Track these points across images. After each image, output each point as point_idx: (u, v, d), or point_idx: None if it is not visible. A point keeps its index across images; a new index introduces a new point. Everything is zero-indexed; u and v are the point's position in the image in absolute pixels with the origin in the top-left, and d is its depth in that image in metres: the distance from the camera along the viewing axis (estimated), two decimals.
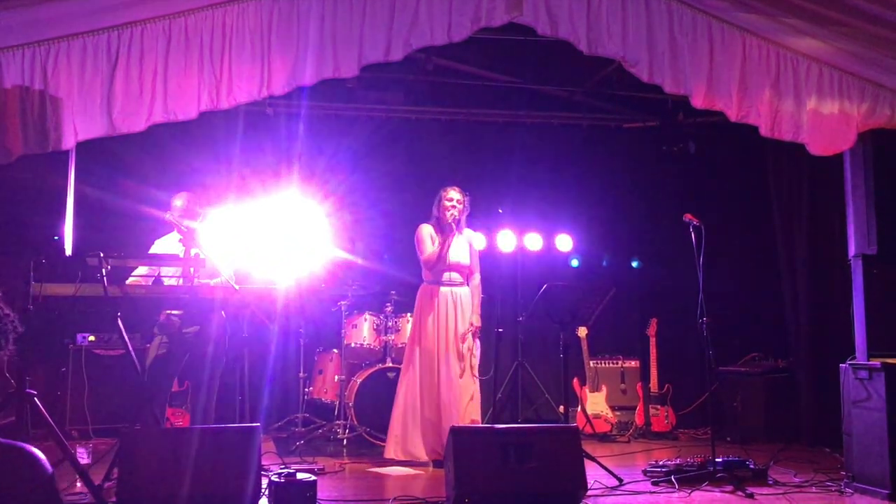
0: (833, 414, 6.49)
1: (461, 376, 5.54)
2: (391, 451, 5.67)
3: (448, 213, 5.73)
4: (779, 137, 4.65)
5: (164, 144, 7.12)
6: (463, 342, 5.60)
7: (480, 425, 5.14)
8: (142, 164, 7.23)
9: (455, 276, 5.79)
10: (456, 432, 4.27)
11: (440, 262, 5.74)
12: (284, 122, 7.71)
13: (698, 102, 4.60)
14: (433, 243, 5.78)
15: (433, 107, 7.95)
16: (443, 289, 5.76)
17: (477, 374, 5.69)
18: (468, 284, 5.84)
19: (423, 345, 5.70)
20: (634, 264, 8.06)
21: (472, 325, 5.66)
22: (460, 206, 5.77)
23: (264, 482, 4.23)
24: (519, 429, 4.58)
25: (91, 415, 6.71)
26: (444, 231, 5.77)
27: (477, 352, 5.67)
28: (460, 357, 5.59)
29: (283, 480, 4.14)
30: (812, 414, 6.84)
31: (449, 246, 5.72)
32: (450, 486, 4.20)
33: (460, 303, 5.72)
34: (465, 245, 5.85)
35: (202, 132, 7.21)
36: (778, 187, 7.35)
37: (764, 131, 4.63)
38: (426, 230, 5.86)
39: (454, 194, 5.79)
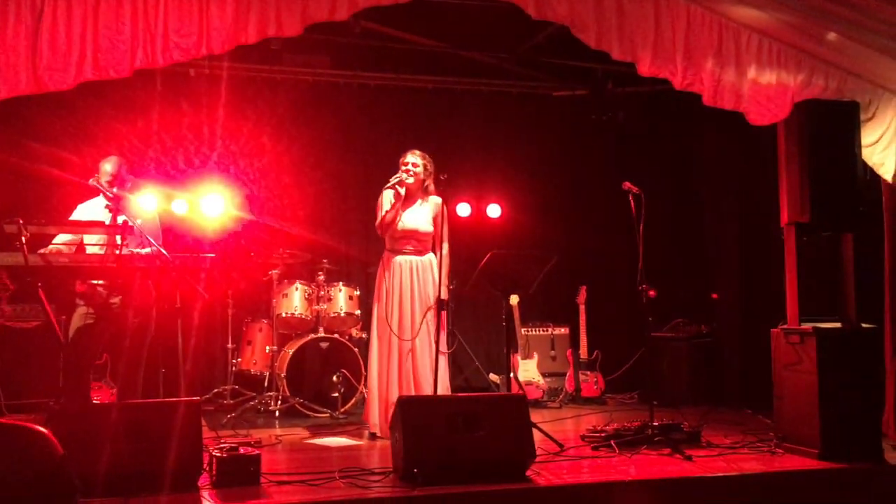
0: (755, 377, 6.75)
1: (425, 349, 5.35)
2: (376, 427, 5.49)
3: (394, 178, 5.48)
4: (720, 106, 4.73)
5: (75, 107, 6.78)
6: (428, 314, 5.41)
7: (427, 395, 5.05)
8: (52, 127, 6.84)
9: (413, 243, 5.50)
10: (403, 402, 4.21)
11: (391, 229, 5.50)
12: (206, 84, 7.41)
13: (644, 70, 4.62)
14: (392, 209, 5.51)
15: (361, 71, 7.76)
16: (398, 258, 5.50)
17: (444, 350, 5.43)
18: (432, 252, 5.56)
19: (380, 316, 5.46)
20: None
21: (436, 299, 5.38)
22: (416, 170, 5.49)
23: (206, 457, 4.08)
24: (466, 398, 4.57)
25: (2, 390, 6.36)
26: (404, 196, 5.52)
27: (442, 324, 5.40)
28: (431, 333, 5.35)
29: (225, 455, 4.00)
30: (735, 377, 7.08)
31: (395, 216, 5.45)
32: (397, 457, 4.15)
33: (417, 271, 5.46)
34: (427, 212, 5.53)
35: (116, 93, 6.88)
36: (707, 157, 7.52)
37: (706, 100, 4.71)
38: (386, 196, 5.54)
39: (410, 157, 5.53)
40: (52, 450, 1.45)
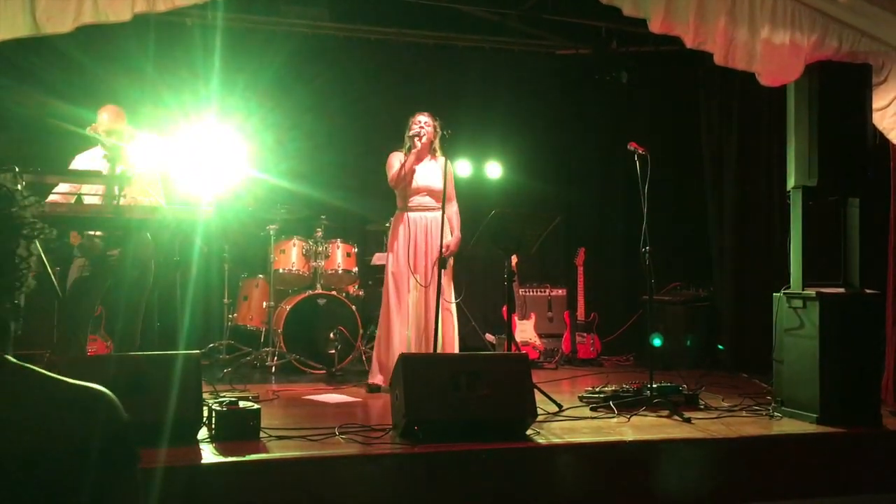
0: (751, 341, 6.76)
1: (435, 303, 5.43)
2: (372, 378, 5.64)
3: (411, 132, 5.61)
4: (732, 66, 4.64)
5: (69, 55, 6.61)
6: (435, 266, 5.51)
7: (430, 353, 5.05)
8: (48, 75, 6.69)
9: (427, 200, 5.66)
10: (406, 359, 4.17)
11: (404, 183, 5.62)
12: (200, 35, 7.25)
13: (656, 27, 4.52)
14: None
15: (361, 25, 7.62)
16: (412, 214, 5.66)
17: (449, 300, 5.55)
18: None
19: (394, 270, 5.62)
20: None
21: (447, 246, 5.54)
22: (428, 129, 5.66)
23: (205, 411, 4.05)
24: (469, 356, 4.55)
25: None
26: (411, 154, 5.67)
27: (450, 279, 5.56)
28: (433, 283, 5.47)
29: (225, 409, 3.97)
30: (731, 341, 7.08)
31: (411, 165, 5.60)
32: (398, 414, 4.12)
33: (431, 228, 5.60)
34: (438, 170, 5.66)
35: (109, 43, 6.73)
36: (708, 119, 7.45)
37: (718, 59, 4.61)
38: (395, 157, 5.73)
39: (421, 117, 5.71)
40: (118, 414, 1.40)
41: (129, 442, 1.41)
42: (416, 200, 5.66)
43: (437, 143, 5.73)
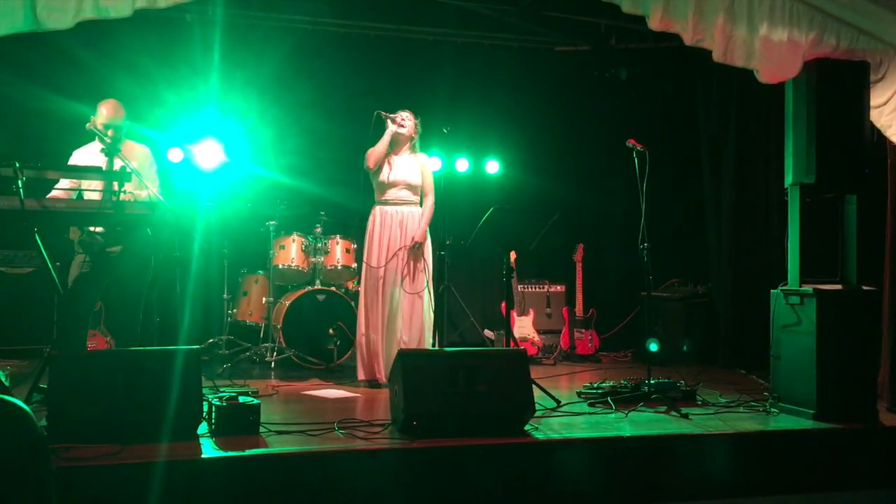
0: (748, 337, 6.78)
1: (408, 296, 5.57)
2: (358, 373, 5.73)
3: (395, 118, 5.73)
4: (731, 63, 4.65)
5: (69, 51, 6.62)
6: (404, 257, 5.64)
7: (429, 348, 5.07)
8: (48, 71, 6.71)
9: (403, 193, 5.73)
10: (404, 355, 4.19)
11: (379, 163, 5.70)
12: (200, 31, 7.25)
13: (654, 25, 4.52)
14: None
15: (361, 21, 7.62)
16: (387, 208, 5.73)
17: (409, 291, 5.62)
18: (419, 206, 5.82)
19: (369, 264, 5.68)
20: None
21: (413, 239, 5.64)
22: (407, 122, 5.78)
23: (205, 406, 4.06)
24: (467, 352, 4.57)
25: None
26: (393, 146, 5.76)
27: (421, 270, 5.64)
28: (408, 277, 5.62)
29: (225, 404, 3.99)
30: (728, 338, 7.09)
31: (385, 144, 5.68)
32: (397, 409, 4.14)
33: (405, 222, 5.69)
34: (416, 166, 5.80)
35: (109, 39, 6.73)
36: (706, 117, 7.45)
37: (717, 56, 4.62)
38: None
39: (402, 112, 5.82)
40: (33, 428, 1.38)
41: (44, 454, 1.39)
42: (393, 194, 5.73)
43: (416, 141, 5.85)
